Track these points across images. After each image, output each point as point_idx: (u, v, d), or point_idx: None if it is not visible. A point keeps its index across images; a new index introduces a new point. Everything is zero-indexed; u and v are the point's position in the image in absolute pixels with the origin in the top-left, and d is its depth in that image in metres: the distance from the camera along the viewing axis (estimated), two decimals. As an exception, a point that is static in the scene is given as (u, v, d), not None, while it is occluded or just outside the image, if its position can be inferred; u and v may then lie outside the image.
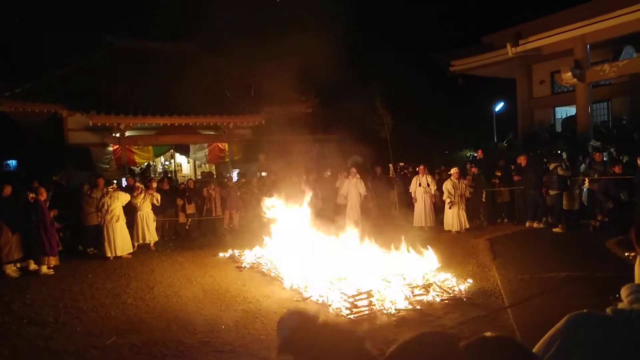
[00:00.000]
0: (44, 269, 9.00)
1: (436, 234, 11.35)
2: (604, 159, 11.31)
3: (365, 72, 19.98)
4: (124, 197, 10.50)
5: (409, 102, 20.32)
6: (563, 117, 18.88)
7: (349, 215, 12.82)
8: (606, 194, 10.01)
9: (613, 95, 17.37)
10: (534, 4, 23.20)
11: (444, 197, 11.65)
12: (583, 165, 11.45)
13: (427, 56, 20.47)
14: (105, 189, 10.50)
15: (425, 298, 6.45)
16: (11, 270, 8.95)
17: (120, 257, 10.19)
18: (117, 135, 15.58)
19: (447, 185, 11.62)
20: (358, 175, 12.85)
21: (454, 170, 11.76)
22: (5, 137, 18.31)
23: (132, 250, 10.50)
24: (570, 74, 14.88)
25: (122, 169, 15.60)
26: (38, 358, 5.20)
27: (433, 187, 12.13)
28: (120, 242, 10.26)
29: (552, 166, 10.88)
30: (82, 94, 14.85)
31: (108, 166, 16.24)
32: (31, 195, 9.05)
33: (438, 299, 6.41)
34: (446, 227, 11.69)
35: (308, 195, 9.87)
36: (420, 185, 12.10)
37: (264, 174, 16.17)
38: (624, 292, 1.23)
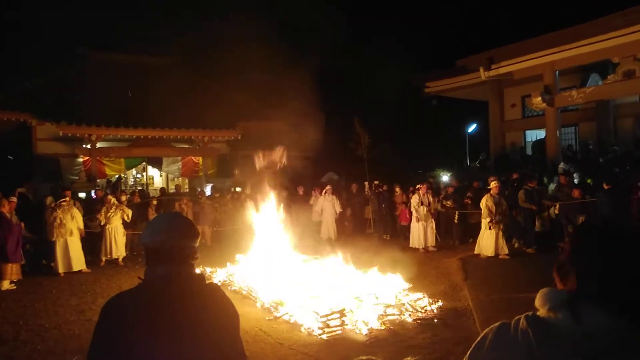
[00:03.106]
0: (6, 284, 8.62)
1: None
2: (574, 181, 11.63)
3: (343, 91, 20.22)
4: (78, 215, 10.10)
5: (385, 122, 20.61)
6: (533, 140, 19.43)
7: (323, 233, 12.80)
8: (567, 218, 10.28)
9: (580, 120, 18.00)
10: (507, 31, 24.05)
11: (483, 216, 10.19)
12: (552, 187, 11.75)
13: (403, 77, 20.86)
14: (56, 202, 10.09)
15: (397, 318, 6.44)
16: (-31, 285, 8.54)
17: (79, 272, 9.82)
18: (88, 146, 15.25)
19: (486, 202, 10.13)
20: (332, 193, 12.87)
21: (493, 184, 10.31)
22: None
23: (85, 267, 10.06)
24: (540, 98, 15.37)
25: (92, 181, 15.22)
26: (-7, 379, 4.95)
27: (434, 206, 11.68)
28: (75, 256, 9.85)
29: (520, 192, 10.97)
30: (53, 105, 14.53)
31: (77, 177, 15.86)
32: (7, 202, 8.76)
33: (410, 319, 6.40)
34: (483, 251, 10.27)
35: (282, 212, 9.81)
36: (422, 204, 11.48)
37: (238, 189, 16.03)
38: None
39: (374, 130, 15.23)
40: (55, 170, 15.79)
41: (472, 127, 24.46)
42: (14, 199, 9.51)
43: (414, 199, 11.70)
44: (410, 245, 11.73)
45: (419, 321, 6.35)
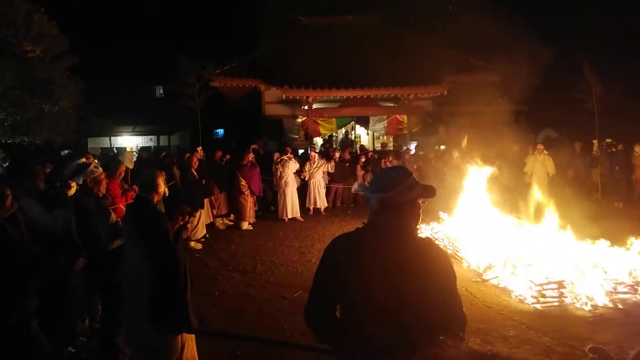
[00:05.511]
0: (245, 224, 10.35)
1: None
2: None
3: (566, 31, 17.49)
4: (293, 166, 11.28)
5: (623, 67, 17.19)
6: None
7: (533, 195, 11.65)
8: None
9: None
10: None
11: None
12: None
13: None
14: (279, 157, 11.42)
15: (631, 297, 5.57)
16: (220, 223, 10.54)
17: (294, 219, 11.12)
18: (306, 107, 16.76)
19: None
20: (546, 152, 11.52)
21: None
22: (215, 109, 21.28)
23: (299, 214, 11.30)
24: None
25: (309, 139, 16.80)
26: (240, 301, 6.05)
27: None
28: (290, 205, 11.13)
29: None
30: (276, 70, 16.29)
31: (297, 136, 17.71)
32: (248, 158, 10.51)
33: (649, 300, 5.46)
34: None
35: (490, 171, 9.24)
36: None
37: (442, 147, 15.68)
38: None
39: (609, 77, 12.85)
40: (279, 130, 17.99)
41: None
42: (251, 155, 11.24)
43: None
44: None
45: (661, 304, 5.37)
